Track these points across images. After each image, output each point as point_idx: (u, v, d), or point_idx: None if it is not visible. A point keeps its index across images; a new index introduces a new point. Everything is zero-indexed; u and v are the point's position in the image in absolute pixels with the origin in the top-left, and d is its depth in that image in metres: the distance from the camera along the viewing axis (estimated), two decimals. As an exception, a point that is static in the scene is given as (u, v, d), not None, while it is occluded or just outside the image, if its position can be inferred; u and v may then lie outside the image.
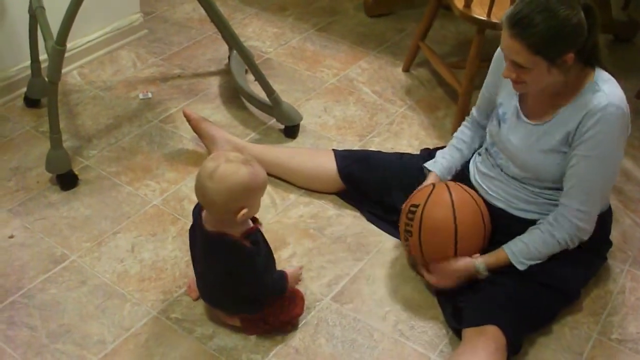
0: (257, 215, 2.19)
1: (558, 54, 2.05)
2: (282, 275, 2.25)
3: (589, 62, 2.15)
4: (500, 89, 2.39)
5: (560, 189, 2.27)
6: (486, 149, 2.46)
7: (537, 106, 2.25)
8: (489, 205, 2.39)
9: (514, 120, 2.32)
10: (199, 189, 2.06)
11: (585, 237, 2.27)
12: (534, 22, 2.02)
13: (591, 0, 2.07)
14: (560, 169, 2.22)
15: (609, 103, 2.10)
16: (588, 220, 2.24)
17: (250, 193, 2.05)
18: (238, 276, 2.13)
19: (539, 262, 2.27)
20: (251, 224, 2.16)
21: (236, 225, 2.09)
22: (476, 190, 2.44)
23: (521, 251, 2.28)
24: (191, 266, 2.47)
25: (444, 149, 2.64)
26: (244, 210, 2.04)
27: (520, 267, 2.28)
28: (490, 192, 2.40)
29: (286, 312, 2.26)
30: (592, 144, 2.13)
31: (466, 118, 2.67)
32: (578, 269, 2.35)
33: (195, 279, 2.38)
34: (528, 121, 2.27)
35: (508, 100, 2.35)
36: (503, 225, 2.36)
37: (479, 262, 2.30)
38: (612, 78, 2.17)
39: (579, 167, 2.18)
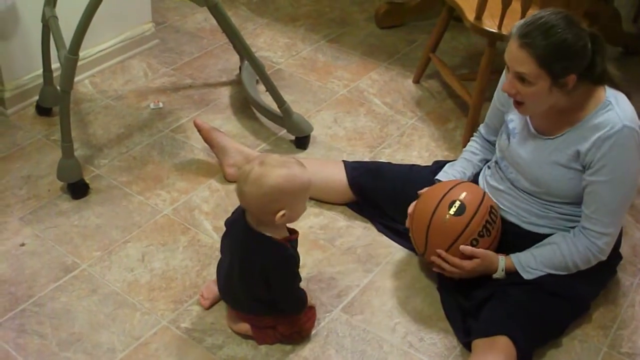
0: (293, 226, 2.22)
1: (562, 71, 2.07)
2: (304, 293, 2.26)
3: (598, 83, 2.16)
4: (511, 105, 2.39)
5: (570, 203, 2.27)
6: (496, 162, 2.46)
7: (548, 121, 2.25)
8: (501, 219, 2.40)
9: (524, 134, 2.32)
10: (237, 192, 2.11)
11: (604, 258, 2.27)
12: (543, 34, 2.05)
13: (597, 30, 2.12)
14: (571, 184, 2.22)
15: (624, 125, 2.10)
16: (611, 242, 2.25)
17: (286, 195, 2.06)
18: (271, 277, 2.13)
19: (544, 273, 2.29)
20: (287, 233, 2.19)
21: (276, 229, 2.12)
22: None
23: (529, 264, 2.30)
24: (201, 276, 2.49)
25: (454, 161, 2.65)
26: (282, 212, 2.06)
27: (526, 276, 2.29)
28: (501, 206, 2.40)
29: (298, 323, 2.26)
30: (610, 168, 2.14)
31: (474, 134, 2.68)
32: (588, 282, 2.34)
33: (209, 286, 2.40)
34: (538, 135, 2.28)
35: (519, 115, 2.35)
36: (515, 240, 2.36)
37: (502, 260, 2.32)
38: (623, 95, 2.18)
39: (599, 192, 2.18)
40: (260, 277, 2.13)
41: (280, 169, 2.06)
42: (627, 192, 2.21)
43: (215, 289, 2.39)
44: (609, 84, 2.18)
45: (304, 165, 2.15)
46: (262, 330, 2.27)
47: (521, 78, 2.12)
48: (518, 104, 2.20)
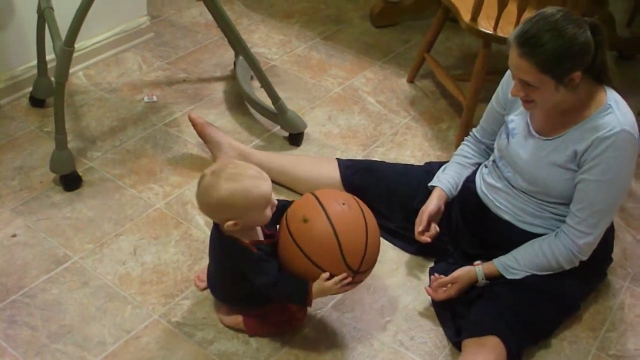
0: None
1: (565, 72, 2.07)
2: (304, 284, 2.12)
3: (599, 80, 2.16)
4: (513, 107, 2.39)
5: (565, 204, 2.28)
6: (494, 161, 2.47)
7: (548, 122, 2.26)
8: (496, 217, 2.41)
9: (524, 134, 2.33)
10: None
11: (585, 258, 2.28)
12: (541, 41, 2.04)
13: (598, 19, 2.10)
14: (568, 185, 2.23)
15: (622, 129, 2.11)
16: (592, 243, 2.25)
17: (233, 208, 2.06)
18: (246, 277, 2.14)
19: (529, 274, 2.30)
20: (261, 236, 2.19)
21: (245, 232, 2.12)
22: (483, 202, 2.45)
23: (512, 265, 2.31)
24: (193, 270, 2.50)
25: (447, 166, 2.64)
26: (231, 222, 2.07)
27: (511, 277, 2.30)
28: (497, 204, 2.41)
29: (288, 312, 2.27)
30: (602, 168, 2.15)
31: (466, 138, 2.68)
32: (578, 281, 2.36)
33: (206, 270, 2.41)
34: (538, 136, 2.28)
35: (520, 116, 2.36)
36: (509, 238, 2.37)
37: (479, 269, 2.33)
38: (623, 100, 2.18)
39: (588, 191, 2.19)
40: (236, 275, 2.16)
41: (229, 182, 2.05)
42: (614, 196, 2.22)
43: None
44: (608, 82, 2.19)
45: (262, 175, 2.11)
46: (253, 320, 2.27)
47: (526, 83, 2.12)
48: (527, 102, 2.20)
